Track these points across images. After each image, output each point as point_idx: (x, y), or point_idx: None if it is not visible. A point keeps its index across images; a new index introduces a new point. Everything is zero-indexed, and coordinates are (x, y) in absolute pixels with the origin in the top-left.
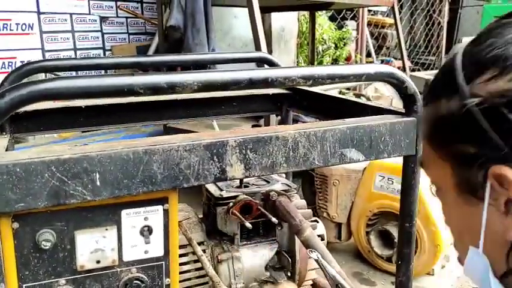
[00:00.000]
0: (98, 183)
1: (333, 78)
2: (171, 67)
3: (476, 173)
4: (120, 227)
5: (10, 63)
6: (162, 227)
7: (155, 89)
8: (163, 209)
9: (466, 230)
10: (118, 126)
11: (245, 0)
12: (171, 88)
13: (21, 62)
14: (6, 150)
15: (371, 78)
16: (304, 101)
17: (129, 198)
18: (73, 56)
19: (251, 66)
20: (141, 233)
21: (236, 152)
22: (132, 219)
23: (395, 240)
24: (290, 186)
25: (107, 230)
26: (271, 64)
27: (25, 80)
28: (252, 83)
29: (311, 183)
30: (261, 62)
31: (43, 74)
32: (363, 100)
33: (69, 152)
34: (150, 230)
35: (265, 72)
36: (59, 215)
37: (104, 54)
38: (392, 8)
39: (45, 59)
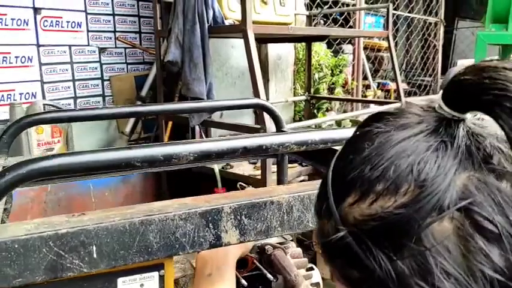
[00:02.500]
0: (95, 255)
1: (325, 143)
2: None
3: None
4: None
5: (9, 96)
6: None
7: (152, 162)
8: (159, 275)
9: None
10: (115, 174)
11: (241, 33)
12: (167, 160)
13: (19, 94)
14: (5, 204)
15: None
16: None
17: (125, 266)
18: (71, 87)
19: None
20: None
21: (231, 219)
22: (128, 286)
23: None
24: (286, 239)
25: None
26: (268, 110)
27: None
28: (247, 151)
29: None
30: (258, 109)
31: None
32: None
33: (66, 225)
34: None
35: (260, 140)
36: (56, 286)
37: (102, 84)
38: (388, 37)
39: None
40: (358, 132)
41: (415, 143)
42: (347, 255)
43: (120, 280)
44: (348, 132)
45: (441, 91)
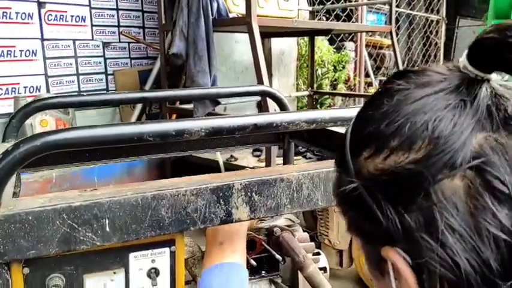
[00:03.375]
0: (108, 229)
1: (335, 122)
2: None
3: (374, 249)
4: (127, 269)
5: (14, 89)
6: (169, 268)
7: (164, 136)
8: (170, 251)
9: None
10: (123, 160)
11: (246, 26)
12: (179, 135)
13: (24, 87)
14: (14, 188)
15: None
16: (305, 133)
17: (136, 241)
18: (75, 81)
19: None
20: (148, 275)
21: (242, 195)
22: (139, 261)
23: None
24: (293, 221)
25: (115, 273)
26: (273, 97)
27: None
28: (257, 128)
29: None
30: (263, 95)
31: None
32: None
33: (79, 198)
34: (157, 272)
35: (270, 117)
36: (68, 260)
37: (106, 78)
38: (390, 32)
39: (52, 96)
40: (380, 89)
41: (434, 101)
42: (360, 207)
43: (131, 255)
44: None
45: (466, 50)
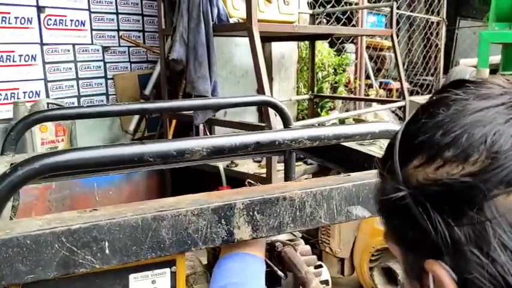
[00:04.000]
0: (107, 251)
1: (338, 138)
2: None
3: (416, 261)
4: None
5: (13, 94)
6: None
7: (165, 157)
8: (171, 272)
9: None
10: (123, 172)
11: (246, 31)
12: (180, 155)
13: (23, 92)
14: (13, 202)
15: (376, 136)
16: None
17: (136, 262)
18: (75, 85)
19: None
20: None
21: (244, 214)
22: (139, 283)
23: (399, 278)
24: (295, 235)
25: None
26: (275, 107)
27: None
28: (260, 146)
29: None
30: (265, 106)
31: (46, 103)
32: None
33: (79, 220)
34: None
35: (273, 135)
36: (67, 283)
37: (106, 83)
38: (392, 36)
39: (51, 109)
40: (434, 98)
41: (494, 114)
42: (404, 216)
43: (131, 276)
44: (361, 127)
45: None
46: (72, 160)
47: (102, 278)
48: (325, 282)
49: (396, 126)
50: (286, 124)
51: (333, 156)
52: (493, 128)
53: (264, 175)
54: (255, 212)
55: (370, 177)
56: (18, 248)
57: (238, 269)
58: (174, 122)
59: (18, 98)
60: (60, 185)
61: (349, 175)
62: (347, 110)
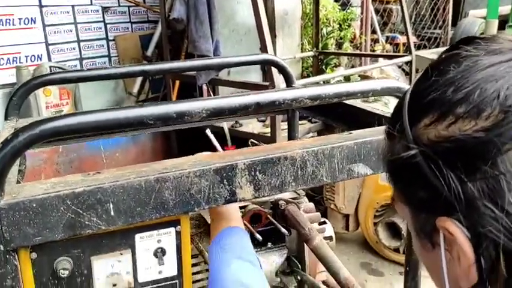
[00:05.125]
0: (112, 212)
1: (339, 97)
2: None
3: (427, 220)
4: (134, 250)
5: (15, 59)
6: (175, 248)
7: (165, 119)
8: (176, 231)
9: (431, 270)
10: (126, 134)
11: None
12: (180, 117)
13: (25, 56)
14: (19, 166)
15: (378, 93)
16: None
17: (142, 223)
18: (76, 48)
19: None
20: (155, 255)
21: (246, 174)
22: (145, 242)
23: (403, 232)
24: (298, 194)
25: (121, 254)
26: (278, 66)
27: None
28: (260, 107)
29: None
30: (268, 65)
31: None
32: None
33: (83, 184)
34: (163, 252)
35: (273, 96)
36: (75, 243)
37: (108, 44)
38: None
39: (53, 72)
40: (443, 56)
41: (506, 69)
42: (415, 176)
43: (137, 236)
44: (363, 85)
45: None
46: (72, 125)
47: (109, 238)
48: (329, 238)
49: (399, 83)
50: (289, 83)
51: (336, 114)
52: (506, 82)
53: (269, 134)
54: (257, 172)
55: (372, 134)
56: (25, 212)
57: (237, 241)
58: (177, 83)
59: (20, 63)
60: (67, 148)
61: (351, 133)
62: (352, 67)
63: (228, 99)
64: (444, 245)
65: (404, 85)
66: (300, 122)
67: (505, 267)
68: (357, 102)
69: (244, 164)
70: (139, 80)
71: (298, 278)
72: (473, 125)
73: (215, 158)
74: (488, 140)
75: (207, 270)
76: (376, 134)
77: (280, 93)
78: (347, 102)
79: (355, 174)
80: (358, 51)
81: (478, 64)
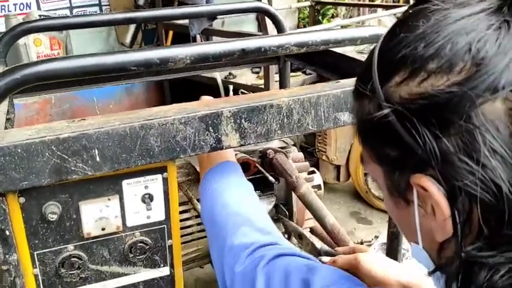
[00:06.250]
0: (98, 158)
1: (327, 44)
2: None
3: (400, 178)
4: (122, 196)
5: (3, 7)
6: (162, 194)
7: (147, 66)
8: (163, 178)
9: (404, 227)
10: (118, 83)
11: None
12: (164, 63)
13: (14, 4)
14: (7, 115)
15: (367, 41)
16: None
17: (129, 169)
18: None
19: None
20: (143, 200)
21: (231, 122)
22: (133, 188)
23: None
24: (287, 143)
25: (109, 199)
26: (268, 13)
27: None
28: (245, 53)
29: None
30: (258, 13)
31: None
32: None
33: (67, 130)
34: (151, 198)
35: (258, 42)
36: (63, 188)
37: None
38: None
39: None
40: (411, 11)
41: (476, 21)
42: (387, 135)
43: (125, 182)
44: (350, 32)
45: None
46: (55, 70)
47: (96, 184)
48: (317, 186)
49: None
50: (280, 32)
51: (326, 64)
52: (477, 35)
53: (263, 86)
54: (243, 120)
55: None
56: (10, 157)
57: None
58: (170, 33)
59: (9, 11)
60: (60, 99)
61: (339, 81)
62: (351, 17)
63: (212, 45)
64: (418, 202)
65: None
66: (294, 74)
67: (480, 218)
68: (350, 52)
69: (229, 111)
70: (131, 30)
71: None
72: (446, 80)
73: (200, 106)
74: (462, 94)
75: (196, 216)
76: None
77: (266, 40)
78: (338, 51)
79: (341, 123)
80: (356, 1)
81: (448, 18)
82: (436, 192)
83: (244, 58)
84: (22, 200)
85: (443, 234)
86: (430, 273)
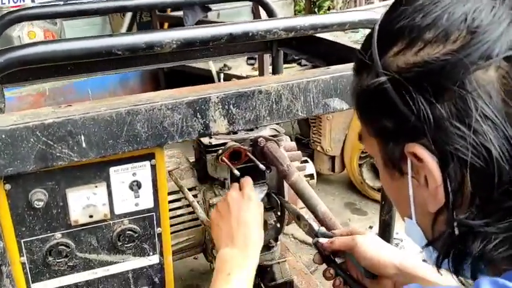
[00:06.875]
0: (84, 144)
1: (315, 29)
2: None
3: (395, 148)
4: (109, 183)
5: None
6: (151, 181)
7: (133, 50)
8: (151, 165)
9: (398, 201)
10: (109, 72)
11: None
12: (150, 48)
13: None
14: None
15: (355, 25)
16: (294, 41)
17: (116, 156)
18: None
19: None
20: (131, 187)
21: (219, 108)
22: (120, 175)
23: None
24: (278, 131)
25: (96, 187)
26: (262, 3)
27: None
28: (233, 38)
29: None
30: (252, 1)
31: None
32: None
33: (52, 115)
34: (139, 185)
35: (246, 26)
36: (49, 175)
37: None
38: None
39: (29, 7)
40: None
41: None
42: (383, 104)
43: (112, 169)
44: (339, 17)
45: None
46: (39, 53)
47: (83, 171)
48: (310, 176)
49: (376, 14)
50: None
51: (319, 52)
52: (473, 5)
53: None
54: (231, 106)
55: (348, 68)
56: None
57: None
58: (165, 25)
59: (3, 4)
60: (54, 91)
61: (329, 68)
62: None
63: (199, 29)
64: (411, 173)
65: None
66: (289, 66)
67: (471, 184)
68: (344, 40)
69: (217, 97)
70: (126, 22)
71: (278, 213)
72: (441, 48)
73: (188, 92)
74: (456, 60)
75: (187, 206)
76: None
77: (253, 24)
78: (329, 39)
79: (331, 109)
80: None
81: None
82: (429, 158)
83: (232, 43)
84: (8, 186)
85: (435, 204)
86: (423, 247)
